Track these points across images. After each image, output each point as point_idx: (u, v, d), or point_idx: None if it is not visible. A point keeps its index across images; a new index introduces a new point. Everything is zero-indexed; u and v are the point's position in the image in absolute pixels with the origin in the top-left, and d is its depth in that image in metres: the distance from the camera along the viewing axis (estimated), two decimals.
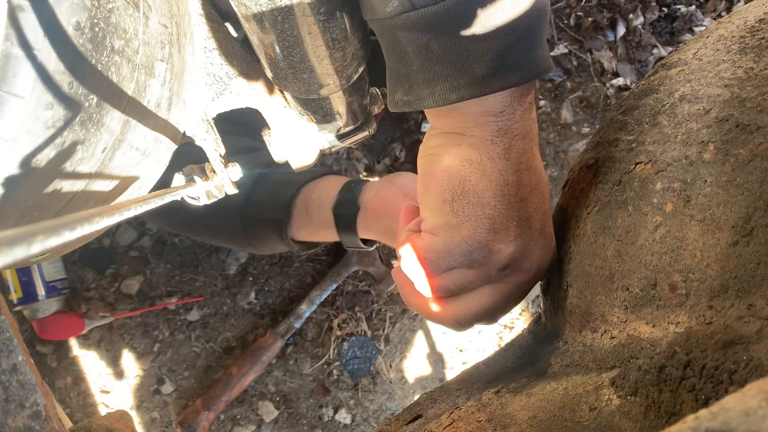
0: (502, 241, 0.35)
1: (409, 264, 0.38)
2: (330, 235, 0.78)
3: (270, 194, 0.79)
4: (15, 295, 0.90)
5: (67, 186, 0.28)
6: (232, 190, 0.43)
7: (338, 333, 1.02)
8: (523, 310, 1.08)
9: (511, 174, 0.35)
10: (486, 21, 0.30)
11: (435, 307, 0.39)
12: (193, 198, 0.41)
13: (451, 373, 1.05)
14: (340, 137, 0.56)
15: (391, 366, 1.04)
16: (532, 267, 0.37)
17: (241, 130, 0.79)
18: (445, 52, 0.31)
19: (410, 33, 0.31)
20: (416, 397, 0.65)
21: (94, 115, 0.27)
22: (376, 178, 0.82)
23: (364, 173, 1.07)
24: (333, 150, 0.57)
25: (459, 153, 0.35)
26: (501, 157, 0.34)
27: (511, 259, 0.36)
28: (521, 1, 0.30)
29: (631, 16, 1.11)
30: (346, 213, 0.74)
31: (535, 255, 0.37)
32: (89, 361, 0.98)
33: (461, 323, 0.40)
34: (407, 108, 0.35)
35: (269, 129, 0.51)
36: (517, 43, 0.31)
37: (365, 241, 0.77)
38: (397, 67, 0.34)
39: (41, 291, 0.91)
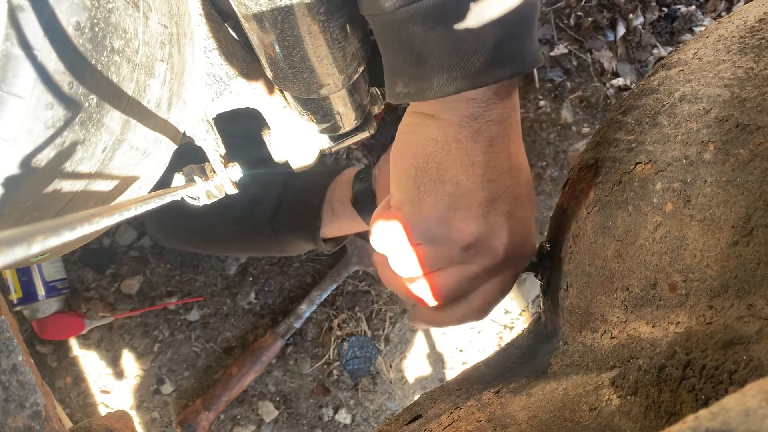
0: (462, 219, 0.36)
1: (378, 239, 0.39)
2: (357, 226, 0.80)
3: (298, 204, 0.80)
4: (15, 295, 0.90)
5: (67, 186, 0.28)
6: (232, 190, 0.43)
7: (338, 333, 1.02)
8: (523, 310, 1.08)
9: (479, 155, 0.35)
10: (482, 14, 0.31)
11: (407, 284, 0.40)
12: (193, 198, 0.41)
13: (451, 373, 1.05)
14: (340, 137, 0.56)
15: (391, 366, 1.04)
16: (498, 250, 0.37)
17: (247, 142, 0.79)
18: (443, 45, 0.32)
19: (409, 26, 0.32)
20: (416, 397, 0.65)
21: (94, 115, 0.27)
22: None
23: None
24: (333, 150, 0.57)
25: (427, 132, 0.36)
26: (468, 139, 0.35)
27: (473, 239, 0.36)
28: None
29: (631, 16, 1.11)
30: (365, 203, 0.75)
31: (500, 237, 0.37)
32: (89, 361, 0.98)
33: (436, 321, 0.40)
34: (407, 99, 0.35)
35: (269, 129, 0.51)
36: (510, 35, 0.32)
37: None
38: (396, 60, 0.35)
39: (41, 291, 0.91)
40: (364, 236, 1.05)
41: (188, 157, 0.46)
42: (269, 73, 0.40)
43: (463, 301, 0.40)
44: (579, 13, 1.11)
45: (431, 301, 0.40)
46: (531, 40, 0.33)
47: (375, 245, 0.40)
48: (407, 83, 0.35)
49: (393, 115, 1.06)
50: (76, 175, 0.28)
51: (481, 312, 0.41)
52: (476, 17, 0.31)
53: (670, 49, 1.12)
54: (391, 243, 0.38)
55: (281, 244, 0.82)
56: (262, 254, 0.97)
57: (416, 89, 0.34)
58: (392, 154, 0.38)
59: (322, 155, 0.58)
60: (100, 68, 0.25)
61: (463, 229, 0.36)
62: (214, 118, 0.44)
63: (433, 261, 0.37)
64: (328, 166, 1.04)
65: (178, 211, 0.77)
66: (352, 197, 0.76)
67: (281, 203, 0.80)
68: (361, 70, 0.42)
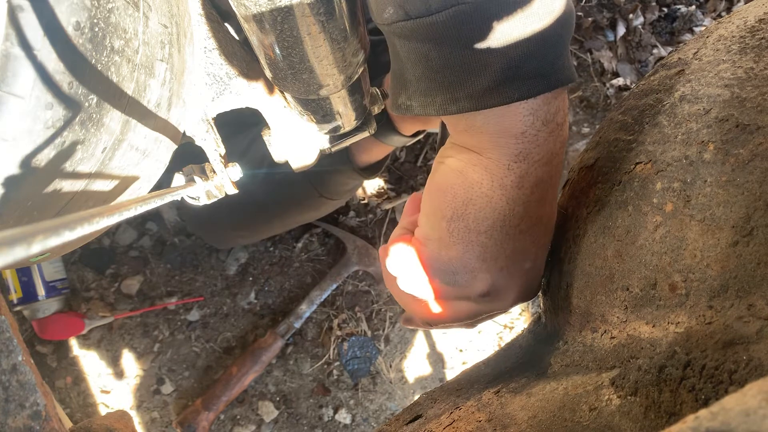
0: (488, 270, 0.34)
1: (394, 265, 0.38)
2: (385, 149, 0.76)
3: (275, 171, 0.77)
4: (15, 295, 0.90)
5: (67, 186, 0.28)
6: (232, 190, 0.43)
7: (338, 333, 1.02)
8: (523, 310, 1.08)
9: (519, 205, 0.33)
10: (489, 32, 0.28)
11: (412, 304, 0.39)
12: (193, 198, 0.41)
13: (451, 373, 1.05)
14: (340, 137, 0.56)
15: (391, 366, 1.04)
16: (510, 301, 0.37)
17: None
18: (445, 63, 0.30)
19: (408, 42, 0.30)
20: (416, 397, 0.65)
21: (94, 115, 0.27)
22: None
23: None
24: (333, 150, 0.57)
25: (471, 174, 0.33)
26: (514, 185, 0.32)
27: (492, 289, 0.35)
28: (539, 11, 0.28)
29: (631, 16, 1.11)
30: (381, 119, 0.71)
31: (516, 290, 0.36)
32: (89, 361, 0.98)
33: (431, 325, 0.40)
34: (408, 113, 0.34)
35: (269, 129, 0.51)
36: (528, 55, 0.29)
37: (414, 135, 0.75)
38: (400, 71, 0.33)
39: (41, 291, 0.91)
40: (365, 237, 1.05)
41: (188, 157, 0.46)
42: (269, 74, 0.40)
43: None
44: (579, 13, 1.11)
45: (435, 326, 0.40)
46: (558, 59, 0.30)
47: (389, 267, 0.38)
48: (409, 96, 0.33)
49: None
50: (76, 175, 0.28)
51: (473, 326, 0.41)
52: (482, 36, 0.29)
53: (670, 49, 1.12)
54: (407, 273, 0.37)
55: (319, 186, 0.78)
56: (315, 215, 0.91)
57: (419, 104, 0.32)
58: (429, 187, 0.36)
59: (322, 155, 0.58)
60: (100, 68, 0.25)
61: (486, 280, 0.35)
62: (214, 118, 0.44)
63: (445, 297, 0.37)
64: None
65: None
66: None
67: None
68: (360, 70, 0.42)
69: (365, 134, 0.57)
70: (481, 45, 0.29)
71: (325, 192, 0.81)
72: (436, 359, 1.06)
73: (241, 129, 0.77)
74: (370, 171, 0.82)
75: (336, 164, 0.77)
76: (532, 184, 0.33)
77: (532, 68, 0.30)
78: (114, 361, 0.99)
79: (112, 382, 0.98)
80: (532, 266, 0.36)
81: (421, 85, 0.32)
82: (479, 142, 0.33)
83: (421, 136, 0.77)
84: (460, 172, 0.34)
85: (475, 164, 0.33)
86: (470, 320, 0.39)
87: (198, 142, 0.43)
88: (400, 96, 0.34)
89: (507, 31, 0.28)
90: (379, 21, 0.31)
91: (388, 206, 1.05)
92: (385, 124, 0.71)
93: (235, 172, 0.43)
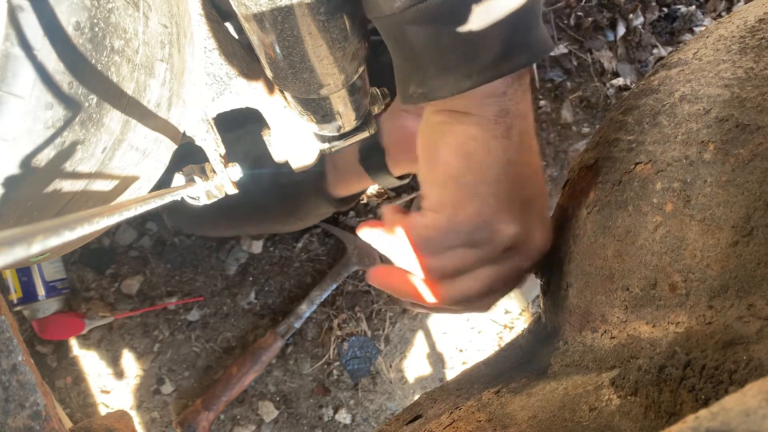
0: (505, 220, 0.35)
1: (402, 246, 0.37)
2: (366, 183, 0.75)
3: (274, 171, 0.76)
4: (15, 295, 0.90)
5: (67, 186, 0.28)
6: (232, 190, 0.43)
7: (338, 333, 1.02)
8: (523, 310, 1.08)
9: (514, 152, 0.35)
10: (490, 5, 0.30)
11: (425, 291, 0.38)
12: (193, 198, 0.41)
13: (451, 373, 1.05)
14: (340, 137, 0.56)
15: (391, 366, 1.04)
16: (533, 252, 0.37)
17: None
18: (455, 41, 0.31)
19: (419, 26, 0.31)
20: (416, 397, 0.65)
21: (94, 115, 0.27)
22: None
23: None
24: (333, 150, 0.57)
25: (464, 131, 0.35)
26: (504, 135, 0.34)
27: (514, 241, 0.35)
28: None
29: (631, 16, 1.11)
30: (373, 161, 0.70)
31: (537, 239, 0.37)
32: (89, 361, 0.98)
33: (455, 306, 0.39)
34: (422, 100, 0.35)
35: (269, 129, 0.51)
36: (520, 24, 0.31)
37: (402, 177, 0.74)
38: (407, 62, 0.34)
39: (41, 291, 0.91)
40: None
41: (188, 157, 0.46)
42: (269, 73, 0.40)
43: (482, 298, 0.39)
44: (579, 13, 1.11)
45: (458, 308, 0.39)
46: (539, 27, 0.33)
47: (397, 252, 0.37)
48: (420, 83, 0.34)
49: None
50: (76, 175, 0.28)
51: (489, 305, 0.40)
52: (486, 9, 0.30)
53: (670, 49, 1.12)
54: (419, 248, 0.36)
55: (289, 205, 0.77)
56: (272, 225, 0.90)
57: (431, 88, 0.34)
58: (425, 152, 0.37)
59: (322, 155, 0.58)
60: (100, 68, 0.25)
61: (505, 231, 0.35)
62: (214, 118, 0.44)
63: (469, 263, 0.36)
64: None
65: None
66: (358, 155, 0.71)
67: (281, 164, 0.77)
68: (361, 70, 0.42)
69: (365, 134, 0.57)
70: (487, 18, 0.30)
71: (293, 213, 0.80)
72: (436, 359, 1.06)
73: (230, 128, 0.77)
74: (344, 203, 0.82)
75: (310, 191, 0.76)
76: (519, 134, 0.35)
77: (527, 34, 0.32)
78: (114, 361, 0.99)
79: (112, 382, 0.98)
80: (542, 216, 0.37)
81: (432, 68, 0.33)
82: (467, 103, 0.35)
83: (406, 180, 0.76)
84: (453, 132, 0.35)
85: (464, 121, 0.35)
86: (496, 290, 0.38)
87: (198, 142, 0.43)
88: (410, 86, 0.35)
89: (505, 3, 0.30)
90: (389, 11, 0.32)
91: None
92: (378, 163, 0.70)
93: (235, 172, 0.43)
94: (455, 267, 0.37)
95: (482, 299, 0.39)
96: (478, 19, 0.30)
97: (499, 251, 0.36)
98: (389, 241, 0.38)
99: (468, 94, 0.34)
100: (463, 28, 0.31)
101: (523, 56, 0.32)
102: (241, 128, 0.76)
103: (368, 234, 0.40)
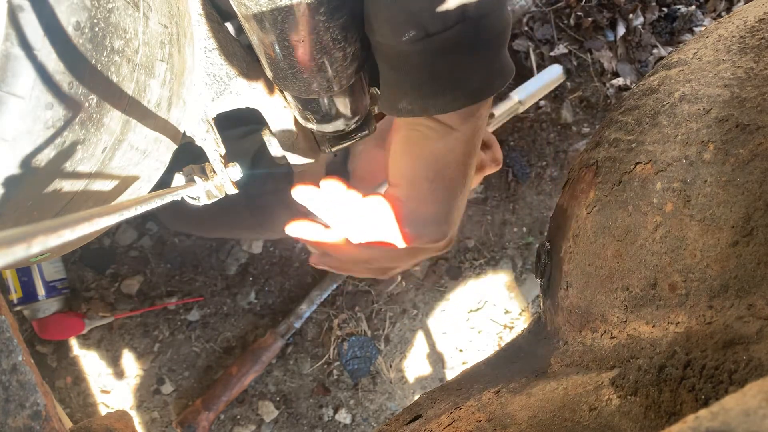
0: (451, 228, 0.42)
1: (372, 211, 0.43)
2: None
3: (269, 171, 0.78)
4: (15, 295, 0.90)
5: (67, 186, 0.28)
6: (232, 190, 0.43)
7: (338, 333, 1.02)
8: (523, 310, 1.08)
9: (474, 165, 0.41)
10: (480, 39, 0.34)
11: (351, 250, 0.45)
12: (193, 198, 0.41)
13: (451, 373, 1.05)
14: (341, 137, 0.56)
15: (391, 366, 1.04)
16: (443, 251, 0.44)
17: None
18: (450, 70, 0.35)
19: (419, 55, 0.35)
20: (416, 397, 0.65)
21: (94, 115, 0.27)
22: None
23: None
24: (333, 150, 0.57)
25: (448, 143, 0.40)
26: (473, 151, 0.41)
27: (447, 240, 0.42)
28: (499, 15, 0.35)
29: (631, 16, 1.11)
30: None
31: (452, 243, 0.45)
32: (89, 361, 0.98)
33: (361, 266, 0.46)
34: (410, 115, 0.39)
35: (269, 129, 0.51)
36: (499, 52, 0.36)
37: None
38: (401, 81, 0.38)
39: (41, 291, 0.91)
40: None
41: (188, 157, 0.46)
42: (269, 74, 0.40)
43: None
44: (579, 13, 1.11)
45: (374, 271, 0.47)
46: (506, 52, 0.38)
47: (358, 213, 0.44)
48: (412, 101, 0.38)
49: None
50: (76, 175, 0.28)
51: (388, 274, 0.48)
52: (476, 42, 0.34)
53: (670, 49, 1.12)
54: (383, 222, 0.43)
55: (257, 216, 0.80)
56: (240, 233, 0.93)
57: (420, 107, 0.38)
58: (406, 148, 0.42)
59: (295, 171, 0.58)
60: (100, 68, 0.25)
61: (447, 236, 0.42)
62: (214, 118, 0.44)
63: (410, 243, 0.43)
64: None
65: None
66: (324, 173, 0.75)
67: (252, 174, 0.78)
68: (361, 70, 0.42)
69: (365, 134, 0.57)
70: (477, 49, 0.35)
71: (263, 224, 0.82)
72: (436, 359, 1.06)
73: (236, 125, 0.77)
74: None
75: (277, 204, 0.77)
76: (476, 131, 0.41)
77: (502, 62, 0.37)
78: (114, 361, 0.99)
79: (112, 382, 0.99)
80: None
81: (426, 89, 0.37)
82: (452, 118, 0.40)
83: None
84: (440, 140, 0.40)
85: (449, 134, 0.40)
86: (407, 264, 0.46)
87: (198, 142, 0.43)
88: (400, 101, 0.39)
89: (491, 34, 0.35)
90: (395, 42, 0.35)
91: None
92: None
93: (235, 172, 0.43)
94: (400, 242, 0.43)
95: (386, 272, 0.47)
96: (470, 51, 0.35)
97: (432, 244, 0.42)
98: (329, 203, 0.45)
99: (456, 112, 0.39)
100: (458, 59, 0.35)
101: (498, 81, 0.37)
102: (245, 125, 0.77)
103: (304, 194, 0.46)
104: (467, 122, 0.39)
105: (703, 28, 0.75)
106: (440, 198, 0.41)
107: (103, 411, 0.98)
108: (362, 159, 0.73)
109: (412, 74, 0.37)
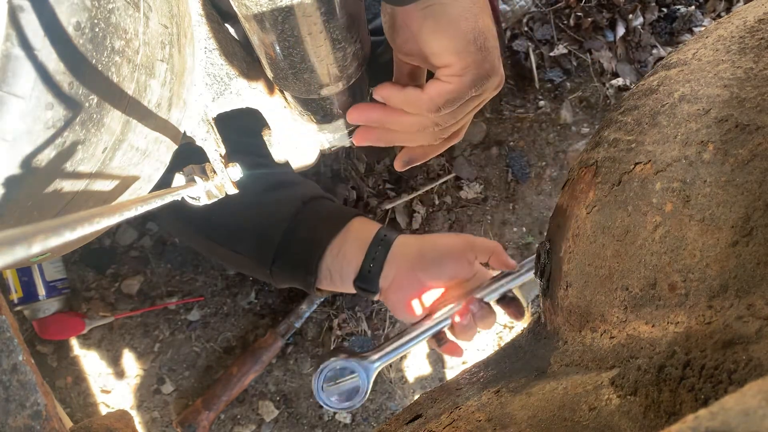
0: (501, 68, 0.43)
1: (420, 97, 0.43)
2: (351, 290, 0.76)
3: (299, 253, 0.74)
4: (15, 295, 0.90)
5: (68, 186, 0.28)
6: (233, 190, 0.43)
7: (338, 333, 1.02)
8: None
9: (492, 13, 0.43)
10: None
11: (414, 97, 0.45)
12: (193, 198, 0.41)
13: (451, 373, 1.05)
14: (341, 138, 0.56)
15: (391, 366, 1.04)
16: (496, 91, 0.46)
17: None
18: None
19: None
20: (416, 397, 0.65)
21: (95, 115, 0.27)
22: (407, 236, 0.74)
23: (363, 171, 1.07)
24: (333, 150, 0.57)
25: (465, 4, 0.40)
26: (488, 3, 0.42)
27: (501, 80, 0.44)
28: None
29: (630, 16, 1.11)
30: (366, 291, 0.72)
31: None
32: (89, 361, 0.98)
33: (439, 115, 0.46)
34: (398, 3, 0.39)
35: (269, 129, 0.51)
36: None
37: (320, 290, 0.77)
38: None
39: (42, 291, 0.91)
40: None
41: (188, 157, 0.46)
42: (269, 74, 0.40)
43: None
44: (579, 13, 1.11)
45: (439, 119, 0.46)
46: None
47: (433, 103, 0.44)
48: None
49: None
50: (76, 175, 0.28)
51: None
52: None
53: (669, 49, 1.12)
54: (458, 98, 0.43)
55: (277, 282, 0.78)
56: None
57: None
58: (434, 26, 0.41)
59: (322, 155, 0.58)
60: (100, 68, 0.25)
61: (502, 77, 0.43)
62: (214, 119, 0.44)
63: (477, 101, 0.44)
64: (335, 191, 1.03)
65: (191, 213, 0.73)
66: (355, 282, 0.72)
67: (284, 249, 0.74)
68: (361, 70, 0.42)
69: None
70: None
71: (279, 284, 0.80)
72: (436, 359, 1.06)
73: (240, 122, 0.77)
74: (326, 292, 0.82)
75: (297, 281, 0.76)
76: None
77: None
78: (114, 361, 0.99)
79: (113, 381, 0.99)
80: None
81: None
82: None
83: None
84: (455, 3, 0.40)
85: None
86: (471, 115, 0.47)
87: (198, 143, 0.43)
88: None
89: None
90: None
91: (388, 206, 1.06)
92: (373, 288, 0.72)
93: (235, 172, 0.43)
94: (460, 112, 0.45)
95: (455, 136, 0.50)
96: None
97: (492, 93, 0.44)
98: (406, 95, 0.45)
99: None
100: None
101: None
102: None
103: (388, 91, 0.46)
104: None
105: (703, 29, 0.75)
106: (490, 47, 0.41)
107: (103, 411, 0.99)
108: (394, 282, 0.70)
109: None
